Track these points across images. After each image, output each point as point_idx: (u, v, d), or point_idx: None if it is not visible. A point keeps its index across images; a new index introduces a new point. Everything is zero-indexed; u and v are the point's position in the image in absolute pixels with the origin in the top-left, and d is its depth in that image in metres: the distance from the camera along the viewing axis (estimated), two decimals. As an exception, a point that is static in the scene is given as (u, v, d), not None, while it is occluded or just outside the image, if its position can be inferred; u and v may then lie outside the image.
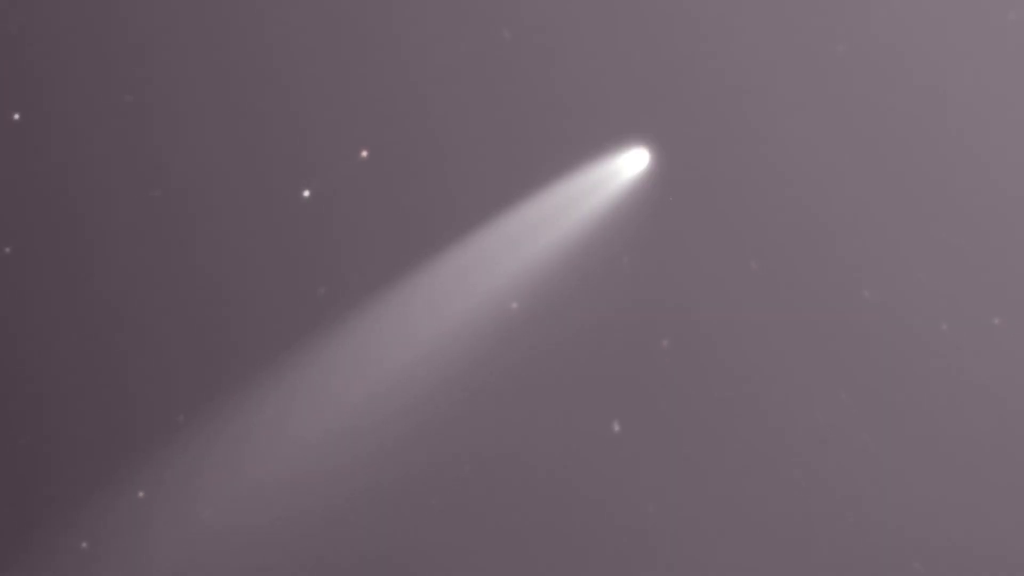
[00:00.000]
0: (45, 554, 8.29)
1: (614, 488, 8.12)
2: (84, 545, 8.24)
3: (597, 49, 8.18)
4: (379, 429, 8.22)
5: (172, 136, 8.40)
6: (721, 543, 8.10)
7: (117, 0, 8.41)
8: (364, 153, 8.18)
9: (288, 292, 8.32)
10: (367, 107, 8.28)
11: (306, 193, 8.21)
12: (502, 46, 8.20)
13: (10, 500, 8.37)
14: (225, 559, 8.29)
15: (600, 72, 8.18)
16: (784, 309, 8.05)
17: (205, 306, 8.38)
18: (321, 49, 8.29)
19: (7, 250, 8.31)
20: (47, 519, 8.32)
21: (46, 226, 8.40)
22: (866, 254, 8.02)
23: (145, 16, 8.34)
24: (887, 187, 7.98)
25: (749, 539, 8.08)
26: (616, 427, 8.05)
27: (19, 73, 8.38)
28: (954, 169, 7.92)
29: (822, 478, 7.95)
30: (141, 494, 8.23)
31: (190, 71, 8.41)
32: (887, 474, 7.97)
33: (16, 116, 8.31)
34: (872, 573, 8.00)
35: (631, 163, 8.18)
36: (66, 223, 8.40)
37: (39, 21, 8.27)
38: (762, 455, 8.02)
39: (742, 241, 8.06)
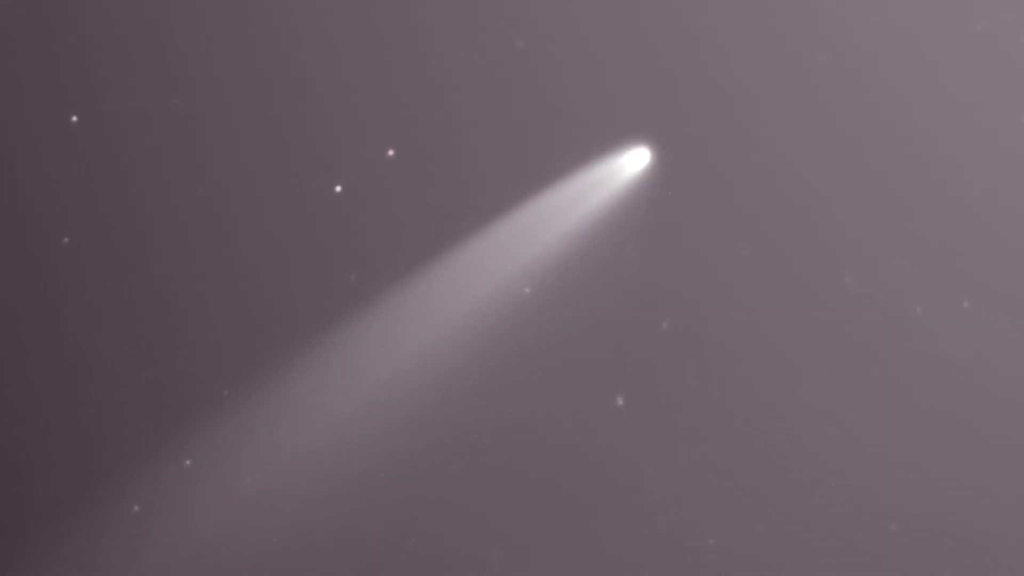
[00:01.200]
0: (100, 517, 8.63)
1: (617, 455, 8.43)
2: (136, 508, 8.59)
3: (602, 61, 8.40)
4: (405, 402, 8.52)
5: (218, 137, 8.66)
6: (712, 505, 8.38)
7: (166, 14, 8.62)
8: (390, 152, 8.51)
9: (322, 278, 8.59)
10: (393, 112, 8.55)
11: (338, 188, 8.56)
12: (516, 56, 8.43)
13: (68, 469, 8.68)
14: (264, 522, 8.60)
15: (605, 81, 8.43)
16: (772, 294, 8.35)
17: (247, 291, 8.67)
18: (353, 62, 8.55)
19: (65, 240, 8.64)
20: (103, 486, 8.65)
21: (103, 217, 8.69)
22: (848, 244, 8.27)
23: (192, 28, 8.61)
24: (867, 184, 8.26)
25: (738, 501, 8.37)
26: (620, 401, 8.41)
27: (78, 80, 8.67)
28: (927, 168, 8.19)
29: (806, 446, 8.27)
30: (188, 462, 8.59)
31: (235, 80, 8.64)
32: (866, 444, 8.26)
33: (74, 118, 8.62)
34: (852, 532, 8.22)
35: (633, 161, 8.43)
36: (121, 214, 8.67)
37: (96, 33, 8.55)
38: (751, 426, 8.32)
39: (734, 232, 8.34)
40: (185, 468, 8.64)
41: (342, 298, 8.58)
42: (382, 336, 8.59)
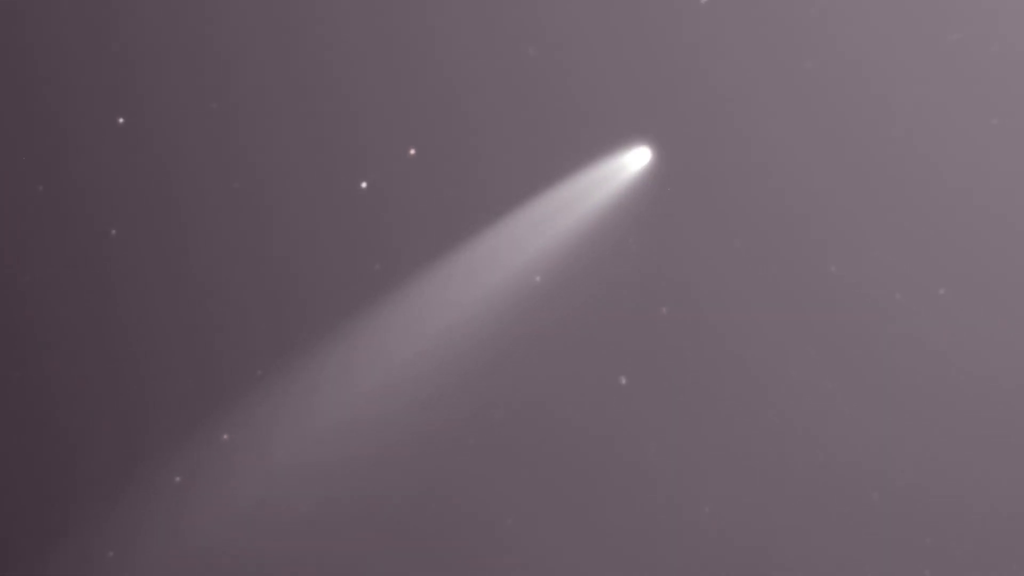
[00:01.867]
0: (145, 487, 8.78)
1: (620, 430, 8.63)
2: (177, 479, 8.76)
3: (607, 70, 8.56)
4: (425, 380, 8.68)
5: (254, 138, 8.78)
6: (707, 475, 8.55)
7: (205, 26, 8.70)
8: (412, 151, 8.68)
9: (349, 267, 8.74)
10: (415, 114, 8.70)
11: (364, 184, 8.71)
12: (528, 65, 8.58)
13: (116, 443, 8.79)
14: (295, 492, 8.75)
15: (609, 87, 8.58)
16: (763, 282, 8.52)
17: (279, 279, 8.80)
18: (377, 71, 8.66)
19: (113, 232, 8.76)
20: (148, 459, 8.79)
21: (148, 211, 8.81)
22: (832, 236, 8.47)
23: (229, 38, 8.70)
24: (851, 181, 8.44)
25: (731, 472, 8.53)
26: (623, 380, 8.62)
27: (125, 86, 8.78)
28: (906, 167, 8.38)
29: (794, 421, 8.47)
30: (225, 436, 8.76)
31: (269, 87, 8.74)
32: (849, 419, 8.45)
33: (120, 120, 8.77)
34: (836, 501, 8.40)
35: (635, 160, 8.60)
36: (164, 208, 8.80)
37: (142, 44, 8.67)
38: (744, 402, 8.51)
39: (728, 225, 8.53)
40: (223, 442, 8.82)
41: (368, 285, 8.71)
42: (404, 320, 8.71)
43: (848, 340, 8.48)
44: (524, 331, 8.70)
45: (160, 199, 8.85)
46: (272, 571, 8.80)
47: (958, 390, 8.43)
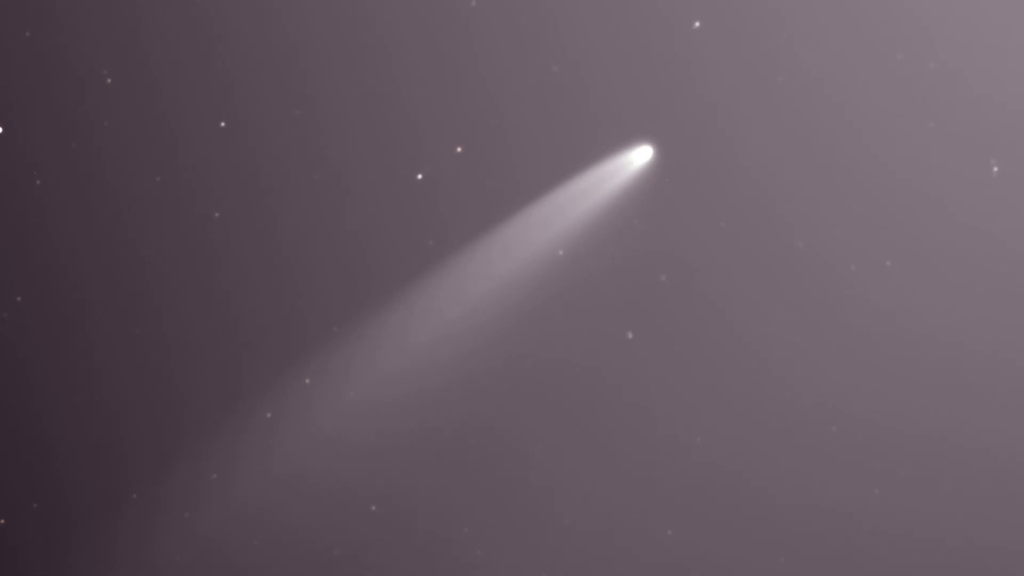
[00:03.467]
0: (241, 422, 9.13)
1: (627, 376, 9.09)
2: (268, 415, 9.19)
3: (617, 82, 8.92)
4: (471, 334, 9.09)
5: (331, 139, 9.16)
6: (699, 413, 9.04)
7: (291, 47, 9.04)
8: (459, 149, 9.07)
9: (408, 243, 9.14)
10: (462, 120, 9.07)
11: (419, 176, 9.10)
12: (552, 78, 8.92)
13: (216, 385, 9.18)
14: (364, 426, 9.13)
15: (618, 98, 8.98)
16: (743, 255, 9.01)
17: (352, 253, 9.20)
18: (435, 88, 8.99)
19: (216, 214, 9.17)
20: (243, 399, 9.14)
21: (246, 197, 9.19)
22: (800, 218, 8.93)
23: (313, 59, 9.08)
24: (815, 173, 8.89)
25: (718, 410, 9.04)
26: (630, 335, 9.06)
27: (225, 96, 9.20)
28: (858, 162, 8.83)
29: (770, 367, 8.97)
30: (307, 381, 9.10)
31: (344, 96, 9.11)
32: (813, 365, 8.95)
33: (222, 123, 9.27)
34: (802, 432, 8.86)
35: (639, 156, 8.90)
36: (259, 195, 9.17)
37: (240, 63, 9.08)
38: (727, 352, 9.02)
39: (715, 208, 8.99)
40: (305, 385, 9.21)
41: (423, 257, 9.08)
42: (453, 286, 9.01)
43: (812, 302, 8.92)
44: (550, 295, 8.99)
45: (255, 187, 9.21)
46: (343, 491, 9.13)
47: (900, 342, 8.93)
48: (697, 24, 8.75)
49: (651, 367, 9.06)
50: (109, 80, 9.12)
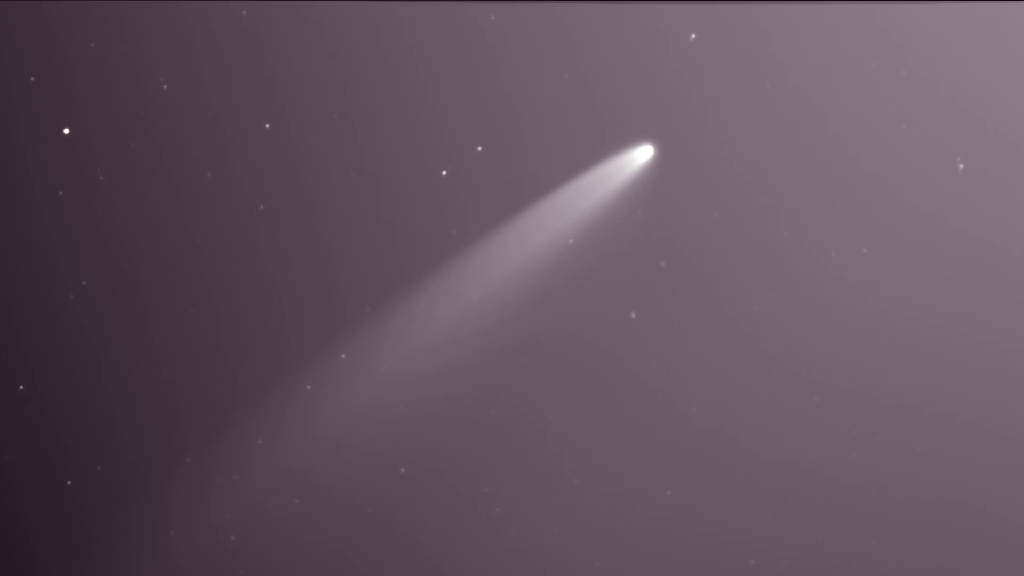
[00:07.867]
0: (282, 393, 9.39)
1: (629, 350, 9.49)
2: (308, 387, 9.38)
3: (621, 88, 9.26)
4: (491, 313, 9.40)
5: (366, 139, 9.45)
6: (695, 383, 9.47)
7: (328, 58, 9.27)
8: (479, 148, 9.38)
9: (434, 232, 9.44)
10: (483, 122, 9.37)
11: (444, 172, 9.40)
12: (563, 85, 9.27)
13: (262, 358, 9.42)
14: (397, 396, 9.41)
15: (623, 102, 9.33)
16: (734, 243, 9.42)
17: (382, 241, 9.51)
18: (461, 93, 9.28)
19: (262, 207, 9.50)
20: (285, 371, 9.38)
21: (287, 191, 9.43)
22: (786, 210, 9.36)
23: (348, 67, 9.33)
24: (800, 169, 9.31)
25: (711, 380, 9.46)
26: (632, 315, 9.43)
27: (271, 100, 9.46)
28: (838, 159, 9.24)
29: (757, 343, 9.42)
30: (343, 356, 9.45)
31: (377, 101, 9.36)
32: (797, 341, 9.40)
33: (267, 125, 9.48)
34: (787, 401, 9.33)
35: (641, 155, 9.25)
36: (299, 188, 9.40)
37: (281, 70, 9.33)
38: (719, 330, 9.43)
39: (709, 201, 9.41)
40: (342, 360, 9.50)
41: (446, 244, 9.39)
42: (474, 270, 9.32)
43: (797, 285, 9.33)
44: (561, 278, 9.30)
45: (296, 183, 9.50)
46: (376, 455, 9.44)
47: (875, 320, 9.38)
48: (693, 36, 9.16)
49: (652, 343, 9.44)
50: (165, 87, 9.43)
